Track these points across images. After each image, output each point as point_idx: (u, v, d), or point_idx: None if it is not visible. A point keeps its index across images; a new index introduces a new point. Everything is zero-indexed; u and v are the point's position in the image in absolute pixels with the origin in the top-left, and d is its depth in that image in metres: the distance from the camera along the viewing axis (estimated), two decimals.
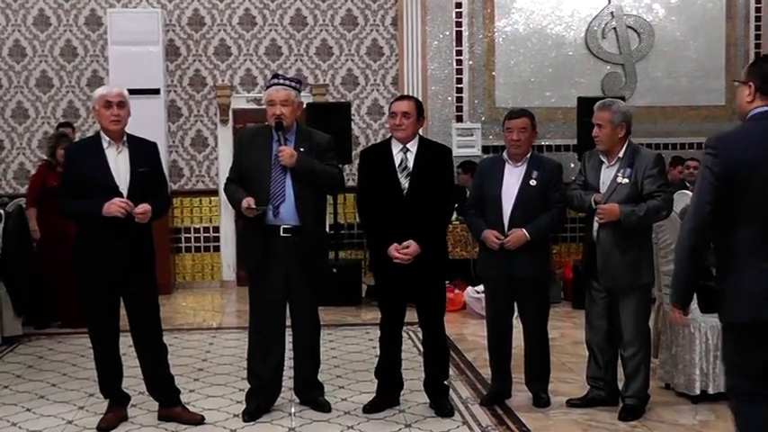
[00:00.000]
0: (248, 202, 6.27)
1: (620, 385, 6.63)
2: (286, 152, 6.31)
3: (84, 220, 6.25)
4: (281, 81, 6.51)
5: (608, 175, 6.47)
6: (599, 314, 6.60)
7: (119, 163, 6.17)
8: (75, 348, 8.77)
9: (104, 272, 6.12)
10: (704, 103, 13.51)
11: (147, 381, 6.49)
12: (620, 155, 6.45)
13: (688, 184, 11.24)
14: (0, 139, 12.90)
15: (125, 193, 6.08)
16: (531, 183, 6.58)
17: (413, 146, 6.50)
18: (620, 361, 6.61)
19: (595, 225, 6.42)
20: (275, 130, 6.40)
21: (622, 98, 11.90)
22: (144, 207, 6.02)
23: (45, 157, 10.24)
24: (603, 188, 6.44)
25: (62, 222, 8.43)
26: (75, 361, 8.32)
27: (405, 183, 6.42)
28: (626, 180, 6.35)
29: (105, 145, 6.20)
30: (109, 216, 5.95)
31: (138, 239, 6.15)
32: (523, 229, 6.49)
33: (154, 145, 6.46)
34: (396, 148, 6.51)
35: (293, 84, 6.54)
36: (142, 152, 6.27)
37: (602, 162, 6.54)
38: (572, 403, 6.71)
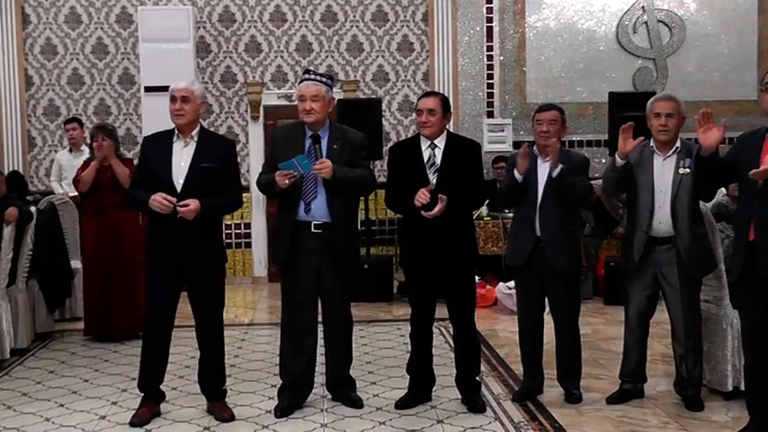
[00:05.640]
0: (279, 173, 6.26)
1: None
2: (326, 168, 6.26)
3: (141, 209, 6.46)
4: (312, 76, 6.49)
5: (666, 168, 6.47)
6: (642, 311, 6.64)
7: (182, 157, 6.27)
8: (106, 345, 8.82)
9: (159, 261, 6.26)
10: (736, 97, 13.41)
11: (199, 371, 6.59)
12: (678, 146, 6.47)
13: None
14: (32, 136, 13.00)
15: (179, 186, 6.16)
16: (554, 175, 6.57)
17: (440, 142, 6.48)
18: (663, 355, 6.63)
19: (660, 218, 6.45)
20: (312, 143, 6.39)
21: (653, 93, 11.92)
22: (190, 203, 6.06)
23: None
24: (662, 181, 6.45)
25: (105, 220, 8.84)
26: (107, 357, 8.37)
27: (433, 179, 6.40)
28: (688, 170, 6.36)
29: (174, 138, 6.33)
30: (154, 209, 6.08)
31: (196, 233, 6.17)
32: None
33: (229, 143, 6.62)
34: (424, 145, 6.49)
35: (324, 79, 6.52)
36: (210, 148, 6.31)
37: (654, 155, 6.52)
38: (612, 400, 6.69)
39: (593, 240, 11.57)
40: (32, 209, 8.90)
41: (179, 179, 6.18)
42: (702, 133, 5.69)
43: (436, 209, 6.21)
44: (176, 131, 6.34)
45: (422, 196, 6.21)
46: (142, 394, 6.48)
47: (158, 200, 6.03)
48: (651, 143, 6.57)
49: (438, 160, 6.44)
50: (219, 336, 6.50)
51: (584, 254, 11.05)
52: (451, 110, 6.75)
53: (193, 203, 6.05)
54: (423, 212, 6.25)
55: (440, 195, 6.23)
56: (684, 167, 6.38)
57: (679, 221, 6.39)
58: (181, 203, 6.04)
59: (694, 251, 6.39)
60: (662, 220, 6.45)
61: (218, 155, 6.31)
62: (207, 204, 6.13)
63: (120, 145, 9.19)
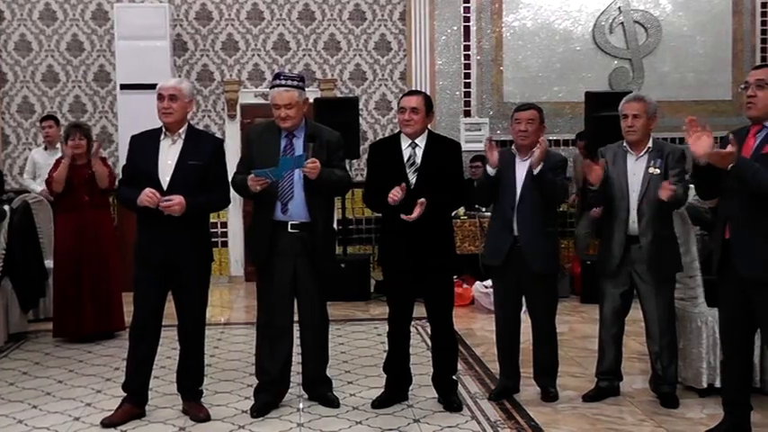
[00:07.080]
0: (251, 178, 6.23)
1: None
2: (316, 170, 6.24)
3: (129, 208, 6.35)
4: (284, 81, 6.43)
5: (638, 167, 6.54)
6: (617, 309, 6.69)
7: (168, 154, 6.24)
8: (80, 345, 8.76)
9: (146, 259, 6.22)
10: (711, 97, 13.50)
11: (177, 368, 6.56)
12: (650, 145, 6.56)
13: None
14: (6, 134, 12.93)
15: (165, 184, 6.13)
16: (535, 173, 6.56)
17: (421, 141, 6.47)
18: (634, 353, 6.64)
19: (633, 217, 6.50)
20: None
21: (630, 93, 12.00)
22: (173, 199, 6.02)
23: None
24: (633, 180, 6.52)
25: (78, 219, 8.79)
26: (81, 357, 8.31)
27: (412, 178, 6.39)
28: (657, 170, 6.45)
29: (162, 137, 6.30)
30: (143, 206, 6.05)
31: (182, 231, 6.13)
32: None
33: (216, 141, 6.64)
34: (405, 143, 6.49)
35: (296, 82, 6.46)
36: (197, 146, 6.29)
37: (627, 154, 6.60)
38: (588, 397, 6.71)
39: (586, 240, 11.65)
40: (6, 207, 8.83)
41: (165, 177, 6.15)
42: (693, 143, 5.42)
43: (415, 213, 6.21)
44: (164, 129, 6.30)
45: (395, 194, 6.21)
46: (122, 395, 6.42)
47: (147, 193, 6.00)
48: (624, 143, 6.64)
49: (418, 159, 6.43)
50: (200, 335, 6.47)
51: (578, 253, 11.14)
52: (434, 110, 6.74)
53: (177, 199, 6.01)
54: (402, 216, 6.24)
55: (419, 200, 6.23)
56: (655, 167, 6.47)
57: (644, 221, 6.46)
58: (164, 199, 6.01)
59: (656, 251, 6.44)
60: (635, 219, 6.52)
61: (205, 153, 6.29)
62: (192, 202, 6.09)
63: (94, 143, 9.11)
